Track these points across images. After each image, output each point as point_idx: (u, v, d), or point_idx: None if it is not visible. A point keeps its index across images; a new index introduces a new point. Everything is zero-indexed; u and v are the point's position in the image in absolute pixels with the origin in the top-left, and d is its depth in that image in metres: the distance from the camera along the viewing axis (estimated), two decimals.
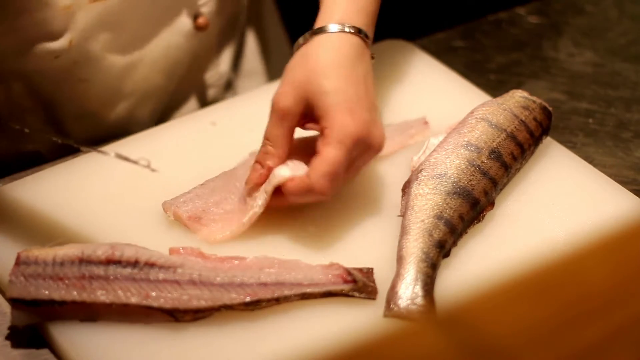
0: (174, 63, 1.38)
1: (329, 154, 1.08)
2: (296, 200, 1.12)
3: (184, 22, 1.36)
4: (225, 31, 1.45)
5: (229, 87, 1.49)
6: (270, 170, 1.12)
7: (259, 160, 1.13)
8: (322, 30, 1.13)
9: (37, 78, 1.30)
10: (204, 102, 1.45)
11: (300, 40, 1.14)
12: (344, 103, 1.10)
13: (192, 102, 1.45)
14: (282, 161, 1.13)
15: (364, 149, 1.11)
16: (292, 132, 1.13)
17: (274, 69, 1.56)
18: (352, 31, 1.14)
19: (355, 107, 1.10)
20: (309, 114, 1.12)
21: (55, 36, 1.27)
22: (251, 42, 1.53)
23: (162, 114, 1.42)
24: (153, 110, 1.40)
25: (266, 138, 1.13)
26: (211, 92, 1.46)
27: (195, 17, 1.37)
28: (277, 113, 1.12)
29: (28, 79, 1.30)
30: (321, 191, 1.09)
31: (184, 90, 1.43)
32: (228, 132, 1.28)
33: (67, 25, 1.26)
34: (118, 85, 1.34)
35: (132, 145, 1.25)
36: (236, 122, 1.30)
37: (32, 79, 1.30)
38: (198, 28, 1.37)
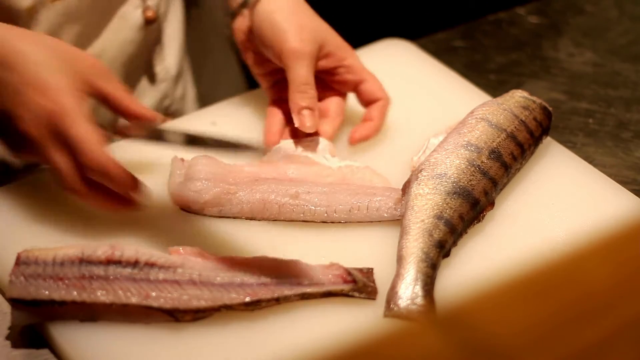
0: (130, 57, 1.38)
1: (368, 73, 1.26)
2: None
3: (135, 15, 1.37)
4: (172, 23, 1.46)
5: (178, 81, 1.50)
6: (316, 110, 1.22)
7: (310, 105, 1.21)
8: None
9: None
10: (158, 96, 1.46)
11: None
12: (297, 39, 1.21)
13: (148, 97, 1.45)
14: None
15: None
16: (314, 72, 1.23)
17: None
18: None
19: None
20: (320, 56, 1.23)
21: None
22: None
23: None
24: None
25: (305, 83, 1.21)
26: (162, 86, 1.46)
27: (144, 10, 1.38)
28: (302, 56, 1.21)
29: None
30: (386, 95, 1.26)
31: (139, 85, 1.43)
32: (228, 132, 1.28)
33: (30, 26, 1.26)
34: None
35: (132, 145, 1.25)
36: (236, 122, 1.30)
37: None
38: (147, 21, 1.38)
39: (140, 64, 1.42)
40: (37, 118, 1.06)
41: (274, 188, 1.16)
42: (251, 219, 1.16)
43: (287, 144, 1.22)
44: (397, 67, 1.38)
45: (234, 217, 1.16)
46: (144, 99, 1.45)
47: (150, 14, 1.38)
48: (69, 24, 1.29)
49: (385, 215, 1.16)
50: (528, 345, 0.70)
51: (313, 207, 1.15)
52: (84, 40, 1.32)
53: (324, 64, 1.25)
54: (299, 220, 1.16)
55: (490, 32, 1.54)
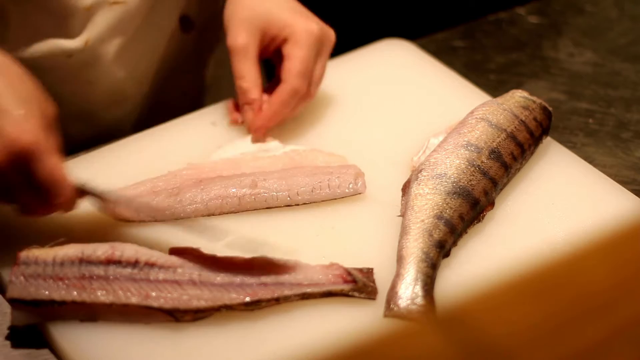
0: (166, 67, 1.38)
1: (299, 54, 1.22)
2: (284, 111, 1.22)
3: (172, 24, 1.36)
4: (207, 33, 1.45)
5: (212, 89, 1.49)
6: (257, 103, 1.23)
7: (243, 101, 1.24)
8: None
9: (43, 75, 1.30)
10: (191, 105, 1.45)
11: None
12: (297, 13, 1.25)
13: (179, 106, 1.44)
14: (260, 90, 1.24)
15: (322, 45, 1.24)
16: (257, 63, 1.24)
17: None
18: None
19: (306, 13, 1.25)
20: (265, 43, 1.24)
21: (72, 35, 1.26)
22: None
23: (153, 116, 1.42)
24: (146, 113, 1.40)
25: (237, 78, 1.23)
26: (195, 95, 1.46)
27: (182, 18, 1.37)
28: (236, 51, 1.23)
29: (34, 73, 1.30)
30: (301, 88, 1.22)
31: (171, 93, 1.43)
32: (228, 132, 1.28)
33: (85, 25, 1.26)
34: (120, 89, 1.34)
35: (134, 145, 1.26)
36: None
37: (37, 76, 1.30)
38: (184, 30, 1.38)
39: (175, 74, 1.41)
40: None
41: (227, 183, 1.17)
42: (209, 215, 1.16)
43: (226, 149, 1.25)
44: (397, 67, 1.38)
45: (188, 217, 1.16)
46: (176, 107, 1.44)
47: (189, 24, 1.37)
48: (122, 27, 1.29)
49: (347, 190, 1.18)
50: (528, 345, 0.70)
51: (275, 193, 1.16)
52: (128, 45, 1.32)
53: (271, 47, 1.25)
54: (263, 208, 1.17)
55: (490, 32, 1.54)
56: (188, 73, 1.45)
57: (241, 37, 1.23)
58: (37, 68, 1.28)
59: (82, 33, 1.27)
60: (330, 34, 1.26)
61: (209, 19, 1.43)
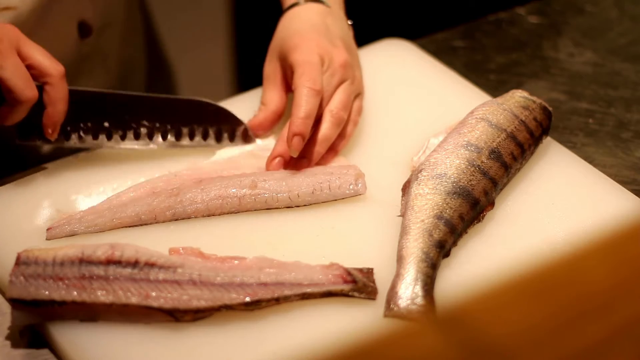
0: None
1: (304, 72, 1.20)
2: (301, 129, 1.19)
3: (70, 28, 1.35)
4: (104, 36, 1.43)
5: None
6: (262, 126, 1.26)
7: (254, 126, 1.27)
8: (289, 7, 1.29)
9: None
10: None
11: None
12: (306, 39, 1.24)
13: None
14: (273, 118, 1.26)
15: (331, 74, 1.23)
16: (280, 91, 1.26)
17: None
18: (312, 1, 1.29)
19: (316, 38, 1.24)
20: (287, 71, 1.24)
21: None
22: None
23: None
24: None
25: (261, 103, 1.27)
26: None
27: (80, 23, 1.36)
28: (263, 79, 1.26)
29: None
30: (313, 107, 1.19)
31: None
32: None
33: None
34: None
35: (135, 145, 1.25)
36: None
37: None
38: (82, 35, 1.36)
39: (74, 78, 1.40)
40: None
41: (227, 183, 1.16)
42: (209, 215, 1.16)
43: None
44: (397, 67, 1.38)
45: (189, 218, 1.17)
46: None
47: (86, 28, 1.37)
48: None
49: (347, 191, 1.17)
50: (528, 345, 0.70)
51: (275, 194, 1.16)
52: None
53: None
54: (263, 209, 1.17)
55: (490, 32, 1.54)
56: (89, 78, 1.43)
57: (266, 66, 1.27)
58: None
59: None
60: (338, 58, 1.24)
61: (106, 22, 1.41)
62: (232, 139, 1.26)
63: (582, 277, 0.74)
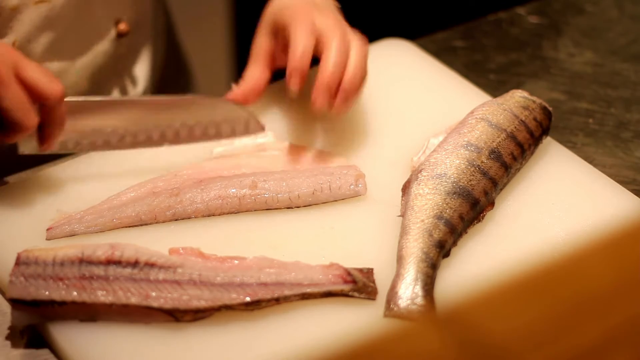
0: (99, 70, 1.38)
1: (296, 38, 1.18)
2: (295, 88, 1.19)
3: (107, 27, 1.36)
4: (143, 37, 1.45)
5: (157, 90, 1.49)
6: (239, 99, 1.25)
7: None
8: None
9: None
10: None
11: None
12: (302, 11, 1.22)
13: None
14: (252, 93, 1.25)
15: (320, 35, 1.20)
16: (264, 67, 1.26)
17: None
18: None
19: (310, 11, 1.22)
20: (280, 47, 1.24)
21: (0, 36, 1.26)
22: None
23: None
24: None
25: (242, 77, 1.26)
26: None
27: (117, 23, 1.37)
28: (251, 54, 1.26)
29: None
30: (303, 67, 1.18)
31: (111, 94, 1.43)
32: None
33: (12, 25, 1.25)
34: None
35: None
36: None
37: None
38: (120, 34, 1.37)
39: (109, 77, 1.41)
40: None
41: (228, 183, 1.17)
42: (209, 215, 1.16)
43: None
44: (397, 67, 1.38)
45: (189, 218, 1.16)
46: None
47: (123, 27, 1.38)
48: (48, 27, 1.29)
49: (348, 192, 1.17)
50: (528, 345, 0.70)
51: (275, 195, 1.16)
52: (57, 46, 1.31)
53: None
54: (263, 209, 1.17)
55: (490, 32, 1.54)
56: (125, 75, 1.44)
57: (255, 41, 1.26)
58: None
59: (9, 33, 1.26)
60: (335, 27, 1.23)
61: (139, 22, 1.43)
62: (245, 131, 1.25)
63: (582, 277, 0.74)
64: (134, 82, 1.46)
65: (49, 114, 1.13)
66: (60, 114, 1.14)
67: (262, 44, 1.26)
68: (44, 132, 1.14)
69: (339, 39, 1.20)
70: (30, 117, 1.11)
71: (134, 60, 1.45)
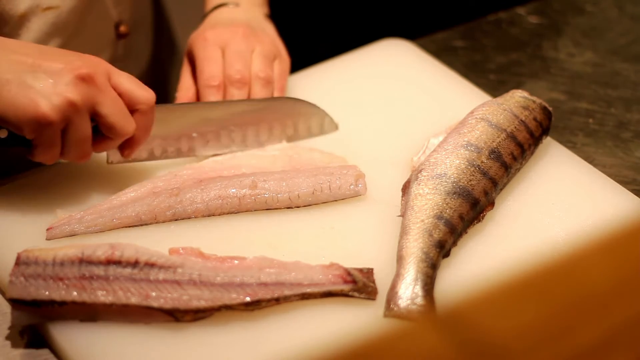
0: None
1: (202, 70, 1.27)
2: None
3: (109, 30, 1.37)
4: (142, 38, 1.46)
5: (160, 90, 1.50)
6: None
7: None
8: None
9: None
10: None
11: None
12: (199, 35, 1.30)
13: None
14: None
15: (227, 44, 1.28)
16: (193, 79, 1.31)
17: None
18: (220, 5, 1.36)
19: (208, 30, 1.30)
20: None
21: None
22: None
23: None
24: None
25: (178, 89, 1.31)
26: None
27: (117, 25, 1.37)
28: (183, 66, 1.33)
29: None
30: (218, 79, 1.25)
31: None
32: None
33: (21, 33, 1.25)
34: None
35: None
36: None
37: None
38: (120, 36, 1.38)
39: None
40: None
41: (227, 183, 1.17)
42: (209, 215, 1.16)
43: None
44: (397, 67, 1.38)
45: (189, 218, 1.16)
46: None
47: (123, 29, 1.38)
48: (55, 34, 1.29)
49: (347, 192, 1.17)
50: (528, 345, 0.70)
51: (275, 195, 1.16)
52: (63, 48, 1.31)
53: None
54: (263, 209, 1.17)
55: (490, 32, 1.54)
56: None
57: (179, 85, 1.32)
58: None
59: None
60: (234, 35, 1.29)
61: (138, 23, 1.43)
62: (320, 130, 1.27)
63: (582, 277, 0.74)
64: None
65: (139, 122, 1.14)
66: (150, 123, 1.15)
67: (186, 84, 1.30)
68: (131, 139, 1.15)
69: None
70: (129, 121, 1.12)
71: (133, 61, 1.45)
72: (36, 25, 1.26)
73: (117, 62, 1.40)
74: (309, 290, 1.06)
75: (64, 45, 1.31)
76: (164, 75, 1.55)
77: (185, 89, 1.29)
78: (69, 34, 1.30)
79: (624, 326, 0.71)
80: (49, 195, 1.18)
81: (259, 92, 1.26)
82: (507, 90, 1.25)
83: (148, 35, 1.48)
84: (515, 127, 1.20)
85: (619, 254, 0.75)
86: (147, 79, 1.48)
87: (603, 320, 0.71)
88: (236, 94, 1.25)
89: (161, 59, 1.54)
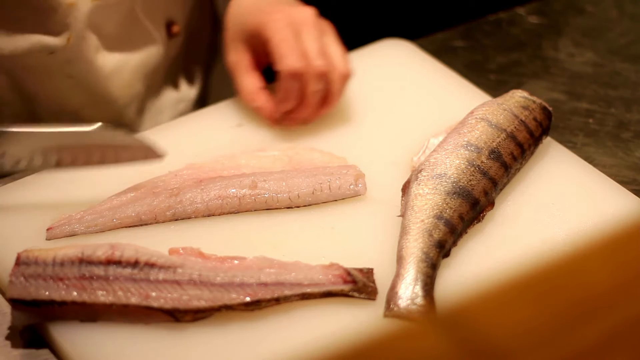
0: (153, 70, 1.38)
1: (273, 41, 1.22)
2: (291, 97, 1.24)
3: (158, 28, 1.37)
4: (194, 38, 1.46)
5: (199, 106, 1.48)
6: (265, 106, 1.27)
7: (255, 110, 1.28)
8: None
9: (24, 72, 1.29)
10: (177, 113, 1.45)
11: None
12: (266, 12, 1.25)
13: (166, 113, 1.44)
14: (262, 95, 1.27)
15: (301, 24, 1.23)
16: (252, 74, 1.28)
17: None
18: None
19: (279, 6, 1.25)
20: (256, 50, 1.27)
21: (55, 32, 1.26)
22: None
23: (142, 120, 1.41)
24: (132, 117, 1.39)
25: (239, 93, 1.28)
26: (180, 107, 1.46)
27: (169, 24, 1.37)
28: (230, 69, 1.28)
29: (13, 72, 1.29)
30: (296, 67, 1.21)
31: (158, 100, 1.43)
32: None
33: (68, 22, 1.26)
34: (103, 88, 1.34)
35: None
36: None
37: (18, 73, 1.29)
38: (171, 35, 1.38)
39: (162, 79, 1.41)
40: None
41: (227, 183, 1.17)
42: (209, 215, 1.16)
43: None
44: (397, 67, 1.38)
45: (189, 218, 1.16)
46: (161, 116, 1.44)
47: (175, 29, 1.38)
48: (103, 24, 1.29)
49: (347, 192, 1.17)
50: (528, 345, 0.70)
51: (275, 195, 1.16)
52: (110, 44, 1.32)
53: (263, 51, 1.26)
54: (263, 209, 1.17)
55: (490, 32, 1.54)
56: (178, 78, 1.44)
57: (230, 56, 1.27)
58: (16, 66, 1.27)
59: (64, 29, 1.26)
60: (305, 14, 1.25)
61: (196, 24, 1.43)
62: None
63: (582, 277, 0.74)
64: (190, 81, 1.46)
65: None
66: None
67: (240, 55, 1.27)
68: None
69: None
70: None
71: (188, 61, 1.45)
72: (83, 15, 1.26)
73: (173, 61, 1.40)
74: (309, 290, 1.06)
75: (110, 39, 1.31)
76: (223, 78, 1.55)
77: (255, 90, 1.28)
78: (115, 27, 1.31)
79: (624, 326, 0.71)
80: (49, 195, 1.18)
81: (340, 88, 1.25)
82: (507, 90, 1.25)
83: (201, 37, 1.48)
84: (515, 127, 1.20)
85: (619, 254, 0.75)
86: (204, 81, 1.48)
87: (603, 320, 0.71)
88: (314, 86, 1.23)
89: (217, 62, 1.53)
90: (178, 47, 1.41)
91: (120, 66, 1.34)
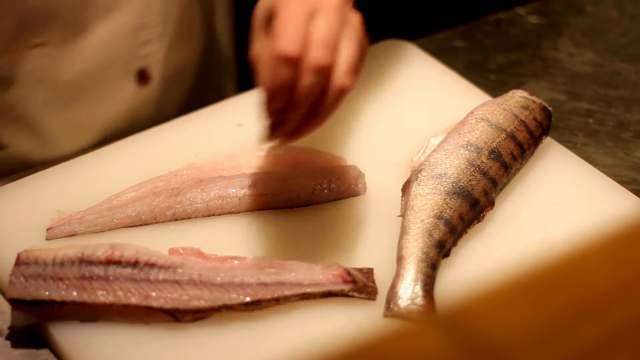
0: (113, 121, 1.36)
1: (283, 12, 0.99)
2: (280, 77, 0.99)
3: (127, 76, 1.34)
4: (170, 84, 1.40)
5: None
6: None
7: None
8: None
9: None
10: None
11: None
12: None
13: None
14: None
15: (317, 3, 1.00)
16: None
17: None
18: None
19: None
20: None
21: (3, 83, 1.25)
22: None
23: None
24: None
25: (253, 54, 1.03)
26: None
27: (139, 72, 1.34)
28: (253, 61, 1.03)
29: None
30: (288, 43, 0.97)
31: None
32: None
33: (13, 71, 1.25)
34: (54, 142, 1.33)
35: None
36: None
37: None
38: (141, 83, 1.35)
39: (126, 127, 1.37)
40: None
41: (228, 183, 1.17)
42: (209, 215, 1.16)
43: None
44: (397, 67, 1.38)
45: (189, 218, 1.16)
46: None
47: (145, 76, 1.34)
48: (48, 80, 1.28)
49: (347, 192, 1.18)
50: (528, 345, 0.70)
51: (275, 195, 1.16)
52: (66, 100, 1.31)
53: None
54: (263, 209, 1.17)
55: (490, 32, 1.54)
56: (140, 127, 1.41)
57: (254, 48, 1.03)
58: None
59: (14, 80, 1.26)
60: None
61: (173, 72, 1.39)
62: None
63: (582, 277, 0.74)
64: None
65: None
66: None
67: (261, 49, 1.04)
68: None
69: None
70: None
71: (162, 111, 1.41)
72: (27, 65, 1.26)
73: (142, 113, 1.37)
74: (309, 290, 1.06)
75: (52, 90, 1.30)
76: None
77: (264, 50, 1.01)
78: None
79: (624, 326, 0.71)
80: (49, 195, 1.18)
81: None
82: (507, 90, 1.25)
83: (183, 86, 1.46)
84: (515, 127, 1.20)
85: (619, 254, 0.75)
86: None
87: (603, 320, 0.71)
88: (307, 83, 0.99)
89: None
90: (150, 92, 1.37)
91: (73, 117, 1.32)
